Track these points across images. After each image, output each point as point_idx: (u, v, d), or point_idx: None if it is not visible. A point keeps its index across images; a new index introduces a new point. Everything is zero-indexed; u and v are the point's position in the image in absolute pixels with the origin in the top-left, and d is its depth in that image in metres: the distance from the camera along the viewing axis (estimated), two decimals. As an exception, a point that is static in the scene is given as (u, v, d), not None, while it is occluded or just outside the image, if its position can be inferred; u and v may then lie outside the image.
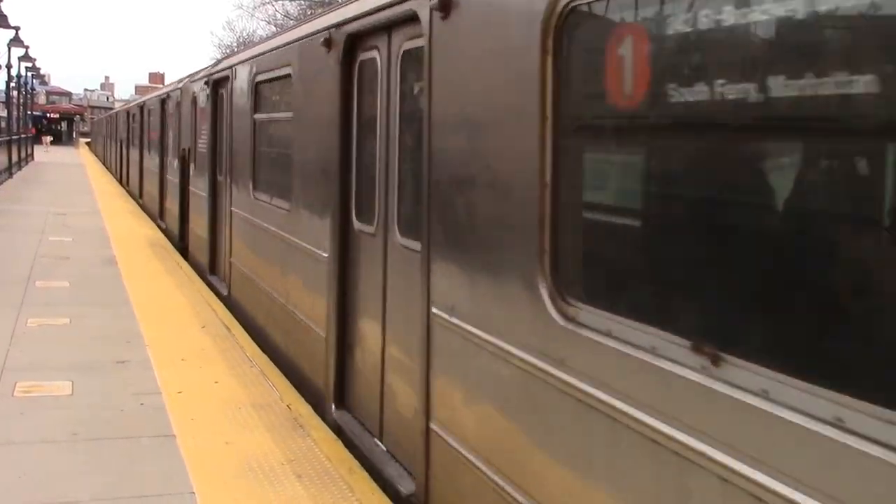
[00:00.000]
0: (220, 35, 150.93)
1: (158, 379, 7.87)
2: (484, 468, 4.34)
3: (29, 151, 47.33)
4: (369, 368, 6.24)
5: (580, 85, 3.73)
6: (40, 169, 42.01)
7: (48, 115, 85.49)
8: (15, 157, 37.09)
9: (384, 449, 5.92)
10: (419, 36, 5.14)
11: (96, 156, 57.73)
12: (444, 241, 4.75)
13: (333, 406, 6.70)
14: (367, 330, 6.31)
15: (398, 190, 5.73)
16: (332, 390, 6.71)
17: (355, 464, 6.06)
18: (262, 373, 8.19)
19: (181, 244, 15.82)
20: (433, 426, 4.91)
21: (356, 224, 6.48)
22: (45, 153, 57.78)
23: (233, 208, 10.84)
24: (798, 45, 2.69)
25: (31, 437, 6.36)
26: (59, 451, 6.12)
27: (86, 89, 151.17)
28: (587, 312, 3.53)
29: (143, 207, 23.70)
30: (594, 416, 3.41)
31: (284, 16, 46.41)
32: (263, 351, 8.96)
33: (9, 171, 34.25)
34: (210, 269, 12.43)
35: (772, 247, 2.83)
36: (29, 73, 52.92)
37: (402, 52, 5.66)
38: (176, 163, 16.57)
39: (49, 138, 71.72)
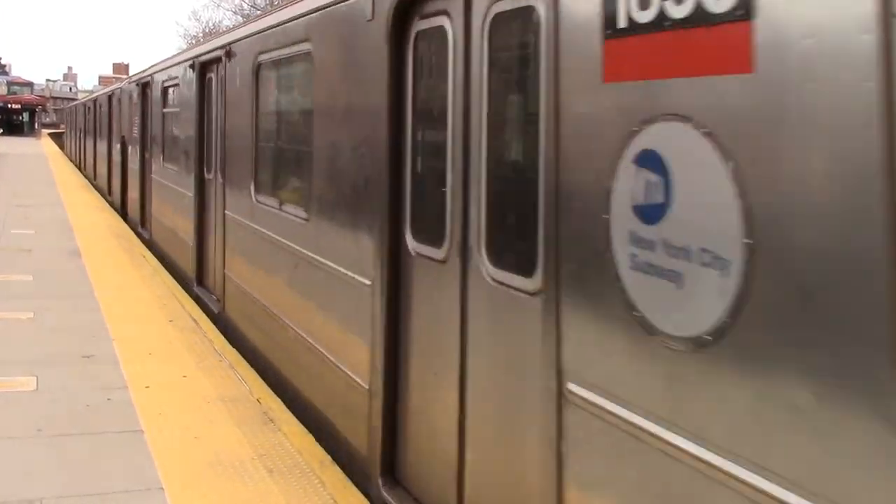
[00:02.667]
0: (186, 25, 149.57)
1: (125, 373, 7.75)
2: (240, 282, 8.80)
3: (-11, 143, 46.50)
4: (211, 256, 10.49)
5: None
6: (1, 161, 41.31)
7: (9, 105, 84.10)
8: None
9: (215, 298, 10.10)
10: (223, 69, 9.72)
11: (75, 163, 41.01)
12: (228, 178, 9.46)
13: (195, 284, 11.09)
14: (210, 233, 10.61)
15: (220, 153, 9.93)
16: (195, 276, 11.15)
17: (327, 458, 6.00)
18: (232, 366, 8.09)
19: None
20: (226, 272, 9.40)
21: (206, 175, 10.92)
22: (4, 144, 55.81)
23: (153, 176, 15.38)
24: None
25: (-7, 433, 6.22)
26: (23, 447, 6.00)
27: (48, 79, 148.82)
28: (260, 196, 8.11)
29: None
30: (264, 241, 7.75)
31: (251, 5, 45.99)
32: (163, 263, 13.62)
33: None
34: (141, 223, 16.78)
35: None
36: (-11, 63, 51.88)
37: (220, 75, 9.95)
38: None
39: None
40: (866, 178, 2.18)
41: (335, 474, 5.75)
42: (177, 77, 12.59)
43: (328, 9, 6.08)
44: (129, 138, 18.60)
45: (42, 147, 58.62)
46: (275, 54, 7.61)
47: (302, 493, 5.44)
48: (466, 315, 4.34)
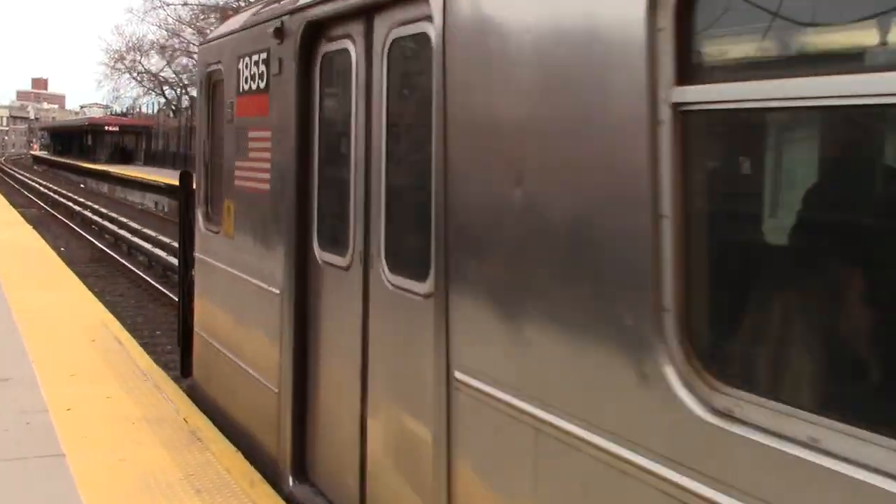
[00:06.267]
0: (109, 39, 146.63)
1: (45, 396, 7.54)
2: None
3: None
4: None
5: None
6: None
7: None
8: None
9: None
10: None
11: None
12: None
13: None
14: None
15: None
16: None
17: (257, 476, 5.93)
18: (157, 386, 7.94)
19: None
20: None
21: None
22: None
23: None
24: None
25: None
26: (-61, 476, 5.79)
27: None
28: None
29: None
30: None
31: (176, 19, 45.38)
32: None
33: None
34: None
35: None
36: None
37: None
38: None
39: None
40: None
41: (265, 492, 5.69)
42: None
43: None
44: None
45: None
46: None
47: (232, 513, 5.37)
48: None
